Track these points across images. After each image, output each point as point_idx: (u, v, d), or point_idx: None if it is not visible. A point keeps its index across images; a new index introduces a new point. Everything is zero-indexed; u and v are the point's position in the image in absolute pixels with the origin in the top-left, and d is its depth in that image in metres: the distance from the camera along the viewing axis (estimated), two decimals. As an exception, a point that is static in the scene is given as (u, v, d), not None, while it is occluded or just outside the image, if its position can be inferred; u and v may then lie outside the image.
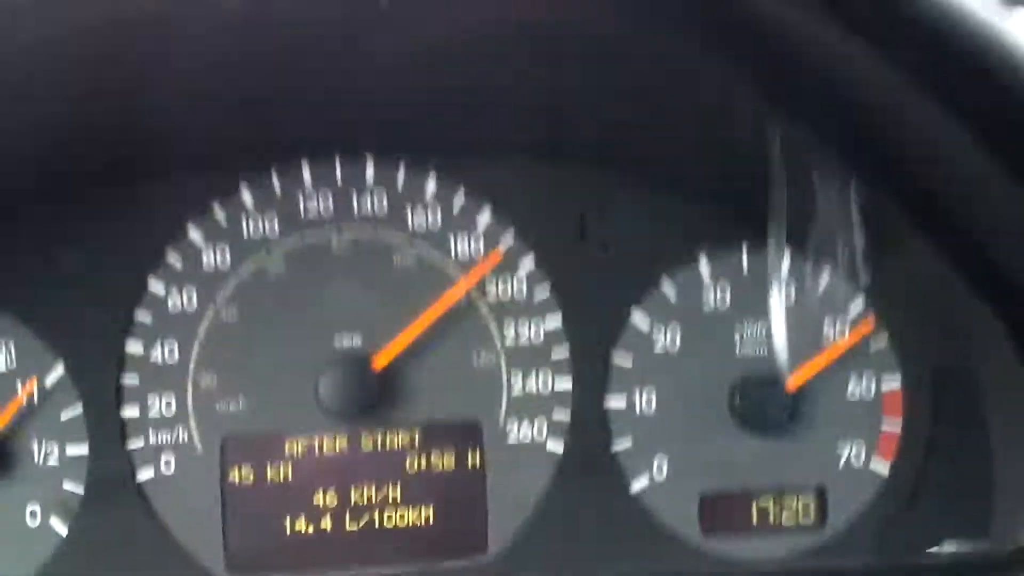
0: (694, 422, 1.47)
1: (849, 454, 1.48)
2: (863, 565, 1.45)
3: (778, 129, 1.30)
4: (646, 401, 1.47)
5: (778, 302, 1.48)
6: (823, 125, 1.19)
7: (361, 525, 1.44)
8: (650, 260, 1.48)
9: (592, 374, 1.47)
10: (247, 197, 1.44)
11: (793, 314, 1.48)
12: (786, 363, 1.45)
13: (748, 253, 1.49)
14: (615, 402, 1.47)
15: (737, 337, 1.48)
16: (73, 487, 1.41)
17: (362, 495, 1.44)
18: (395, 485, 1.45)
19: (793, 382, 1.46)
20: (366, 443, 1.45)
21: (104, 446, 1.41)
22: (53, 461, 1.40)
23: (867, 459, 1.48)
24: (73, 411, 1.41)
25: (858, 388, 1.49)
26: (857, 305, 1.50)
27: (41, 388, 1.41)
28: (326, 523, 1.43)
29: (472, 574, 1.44)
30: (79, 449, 1.41)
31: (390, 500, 1.44)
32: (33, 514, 1.40)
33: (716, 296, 1.49)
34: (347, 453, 1.44)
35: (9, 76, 1.12)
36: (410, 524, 1.44)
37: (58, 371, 1.41)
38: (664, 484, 1.47)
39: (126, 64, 1.23)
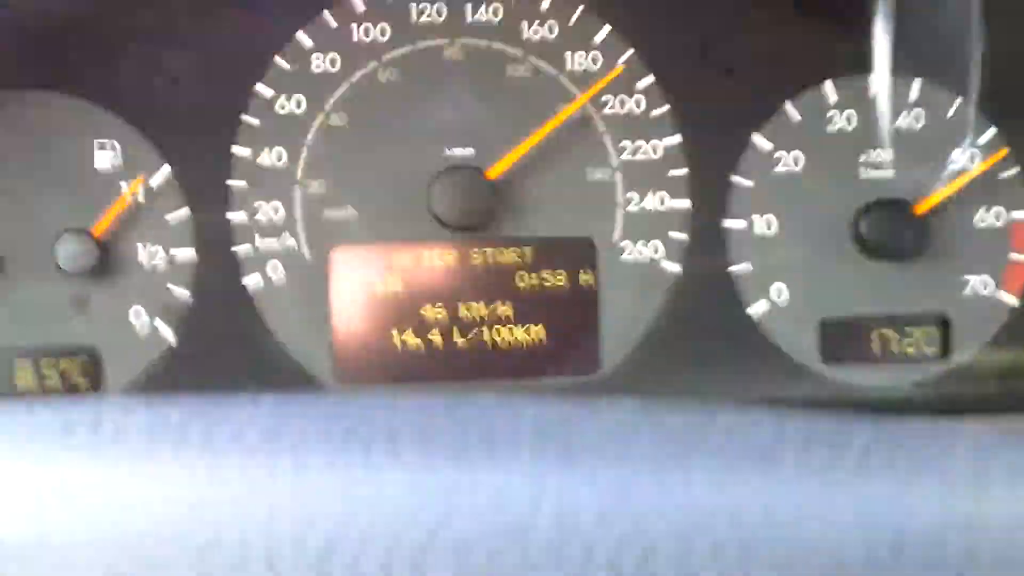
0: (815, 247, 1.42)
1: (975, 284, 1.43)
2: (987, 396, 1.41)
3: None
4: (766, 224, 1.42)
5: (903, 128, 1.43)
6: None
7: (470, 341, 1.40)
8: (774, 84, 1.42)
9: (711, 194, 1.41)
10: (359, 2, 1.39)
11: (920, 141, 1.43)
12: (913, 190, 1.40)
13: (876, 78, 1.42)
14: (734, 224, 1.42)
15: (862, 162, 1.42)
16: (179, 290, 1.38)
17: (471, 311, 1.40)
18: (506, 302, 1.40)
19: (920, 209, 1.40)
20: (476, 258, 1.40)
21: (211, 251, 1.38)
22: (160, 264, 1.38)
23: (994, 290, 1.43)
24: (179, 214, 1.38)
25: (987, 217, 1.43)
26: (989, 133, 1.43)
27: (147, 189, 1.37)
28: (434, 337, 1.39)
29: (584, 392, 1.39)
30: (185, 253, 1.38)
31: (501, 317, 1.40)
32: (138, 315, 1.37)
33: (842, 120, 1.43)
34: (457, 267, 1.40)
35: None
36: (521, 342, 1.40)
37: (164, 173, 1.37)
38: (783, 308, 1.42)
39: None
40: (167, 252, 1.38)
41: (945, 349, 1.43)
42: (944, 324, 1.43)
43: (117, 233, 1.37)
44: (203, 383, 1.37)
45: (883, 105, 1.42)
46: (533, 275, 1.41)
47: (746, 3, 1.42)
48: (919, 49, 1.40)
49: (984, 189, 1.43)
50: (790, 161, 1.42)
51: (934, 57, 1.41)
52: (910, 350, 1.42)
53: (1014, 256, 1.43)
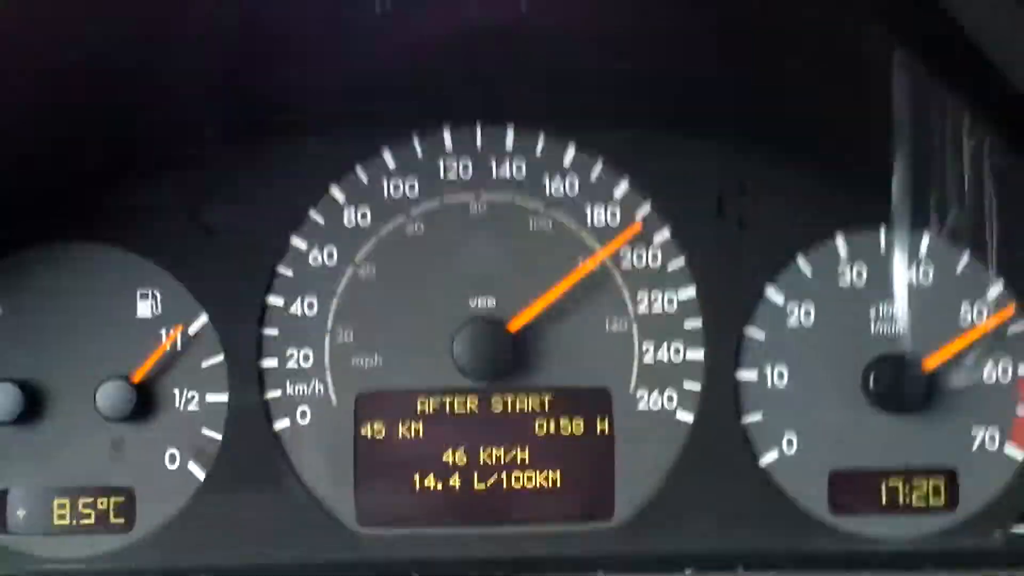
0: (826, 399, 1.46)
1: (983, 438, 1.46)
2: (994, 549, 1.43)
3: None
4: (778, 375, 1.47)
5: (914, 282, 1.47)
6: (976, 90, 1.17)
7: (489, 485, 1.45)
8: (786, 237, 1.47)
9: (725, 347, 1.46)
10: (389, 159, 1.46)
11: (930, 295, 1.47)
12: (922, 344, 1.44)
13: (886, 233, 1.47)
14: (747, 375, 1.46)
15: (872, 315, 1.47)
16: (212, 433, 1.44)
17: (491, 456, 1.46)
18: (524, 448, 1.46)
19: (930, 363, 1.44)
20: (496, 405, 1.46)
21: (243, 395, 1.44)
22: (193, 407, 1.44)
23: (1000, 444, 1.46)
24: (214, 360, 1.44)
25: (995, 372, 1.47)
26: (997, 289, 1.47)
27: (184, 336, 1.44)
28: (454, 481, 1.45)
29: (597, 540, 1.44)
30: (219, 397, 1.44)
31: (518, 462, 1.45)
32: (173, 458, 1.44)
33: (852, 274, 1.47)
34: (477, 414, 1.45)
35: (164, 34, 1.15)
36: (537, 487, 1.45)
37: (201, 321, 1.44)
38: (794, 459, 1.46)
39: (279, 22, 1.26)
40: (201, 396, 1.44)
41: (952, 501, 1.46)
42: (952, 476, 1.46)
43: (156, 376, 1.44)
44: (231, 523, 1.42)
45: (895, 259, 1.46)
46: (551, 421, 1.46)
47: (760, 156, 1.47)
48: (929, 204, 1.44)
49: (992, 344, 1.46)
50: (802, 314, 1.47)
51: (944, 212, 1.45)
52: (918, 502, 1.46)
53: (1022, 411, 1.46)
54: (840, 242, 1.48)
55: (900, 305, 1.47)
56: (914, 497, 1.46)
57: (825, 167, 1.46)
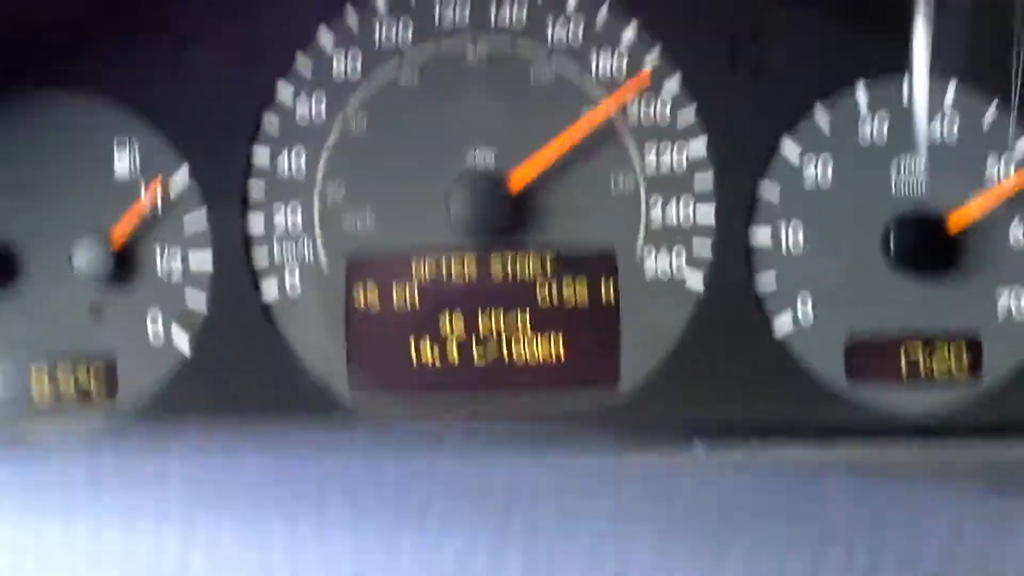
0: (844, 261, 1.38)
1: (1009, 304, 1.38)
2: (1019, 422, 1.36)
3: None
4: (793, 237, 1.38)
5: (937, 136, 1.38)
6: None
7: (488, 354, 1.38)
8: (803, 87, 1.38)
9: (737, 205, 1.38)
10: (381, 2, 1.37)
11: (954, 149, 1.38)
12: (945, 201, 1.36)
13: (909, 82, 1.38)
14: (760, 237, 1.38)
15: (894, 172, 1.38)
16: (196, 296, 1.37)
17: (490, 323, 1.38)
18: (525, 314, 1.38)
19: (954, 222, 1.36)
20: (496, 267, 1.38)
21: (228, 257, 1.36)
22: (176, 272, 1.37)
23: (1028, 309, 1.39)
24: (197, 218, 1.37)
25: (1022, 234, 1.39)
26: (1024, 142, 1.39)
27: (165, 192, 1.36)
28: (452, 351, 1.38)
29: (602, 410, 1.37)
30: (203, 260, 1.36)
31: (519, 328, 1.38)
32: (155, 322, 1.36)
33: (873, 128, 1.39)
34: (476, 278, 1.38)
35: None
36: (539, 356, 1.38)
37: (183, 174, 1.36)
38: (809, 327, 1.38)
39: None
40: (184, 258, 1.37)
41: (976, 370, 1.39)
42: (976, 344, 1.39)
43: (134, 238, 1.36)
44: (217, 394, 1.36)
45: (918, 109, 1.38)
46: (553, 286, 1.38)
47: (778, 2, 1.38)
48: (955, 50, 1.35)
49: (1020, 203, 1.38)
50: (819, 170, 1.39)
51: (971, 59, 1.36)
52: (940, 370, 1.39)
53: (1051, 273, 1.38)
54: (860, 92, 1.38)
55: (923, 160, 1.38)
56: (936, 365, 1.38)
57: (845, 11, 1.37)
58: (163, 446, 1.29)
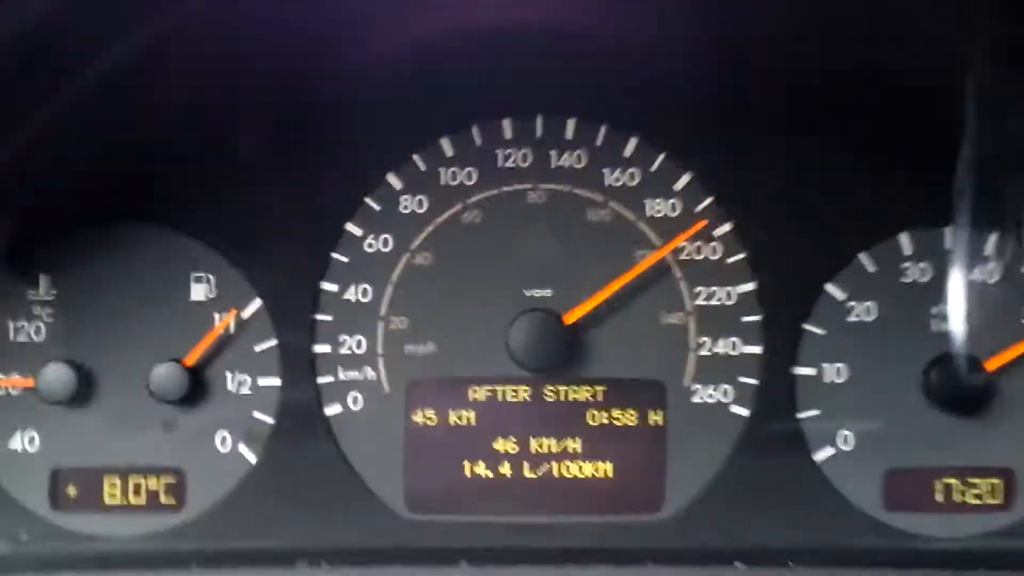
0: (883, 396, 1.44)
1: (1043, 440, 1.44)
2: None
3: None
4: (836, 372, 1.44)
5: (978, 283, 1.44)
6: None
7: (539, 474, 1.44)
8: (849, 233, 1.44)
9: (783, 341, 1.44)
10: (447, 148, 1.44)
11: (994, 296, 1.44)
12: (984, 345, 1.41)
13: (952, 232, 1.44)
14: (804, 371, 1.44)
15: (934, 314, 1.44)
16: (263, 417, 1.44)
17: (542, 445, 1.45)
18: (576, 438, 1.44)
19: (992, 364, 1.41)
20: (549, 395, 1.45)
21: (295, 380, 1.44)
22: (245, 391, 1.44)
23: (1059, 447, 1.44)
24: (267, 344, 1.44)
25: (1055, 375, 1.44)
26: (1064, 291, 1.44)
27: (238, 321, 1.43)
28: (505, 469, 1.44)
29: (646, 531, 1.43)
30: (270, 381, 1.44)
31: (570, 452, 1.44)
32: (224, 440, 1.44)
33: (916, 272, 1.44)
34: (530, 403, 1.44)
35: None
36: (588, 477, 1.44)
37: (255, 306, 1.44)
38: (849, 456, 1.44)
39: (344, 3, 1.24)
40: (253, 380, 1.44)
41: (1009, 501, 1.44)
42: (1009, 476, 1.44)
43: (209, 359, 1.43)
44: (281, 506, 1.43)
45: (959, 258, 1.43)
46: (603, 412, 1.45)
47: (827, 155, 1.44)
48: (996, 204, 1.41)
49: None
50: (863, 311, 1.45)
51: (1012, 212, 1.42)
52: (974, 501, 1.44)
53: (1081, 415, 1.43)
54: (904, 239, 1.44)
55: (963, 305, 1.44)
56: (970, 496, 1.44)
57: (893, 161, 1.43)
58: (225, 555, 1.37)
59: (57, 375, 1.39)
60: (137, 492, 1.43)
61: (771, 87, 1.37)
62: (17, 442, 1.44)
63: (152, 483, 1.43)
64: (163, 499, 1.43)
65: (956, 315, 1.43)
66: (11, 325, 1.44)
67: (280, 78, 1.35)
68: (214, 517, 1.44)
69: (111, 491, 1.43)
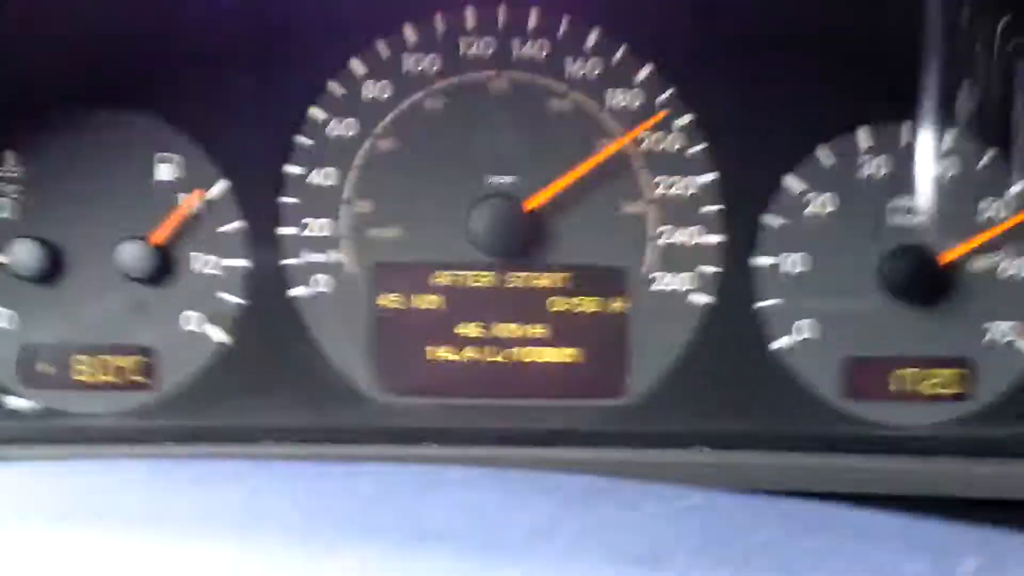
0: (841, 287, 1.46)
1: (996, 332, 1.46)
2: (1007, 439, 1.42)
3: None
4: (794, 263, 1.47)
5: (935, 177, 1.46)
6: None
7: (503, 359, 1.46)
8: (808, 127, 1.47)
9: (742, 232, 1.46)
10: (411, 35, 1.47)
11: (950, 191, 1.46)
12: (940, 238, 1.43)
13: (910, 127, 1.46)
14: (763, 261, 1.46)
15: (891, 208, 1.46)
16: (230, 297, 1.46)
17: (506, 331, 1.47)
18: (538, 324, 1.46)
19: (947, 256, 1.44)
20: (512, 282, 1.47)
21: (261, 260, 1.46)
22: (211, 270, 1.46)
23: (1014, 339, 1.45)
24: (233, 227, 1.46)
25: (1011, 268, 1.46)
26: (1018, 187, 1.46)
27: (205, 202, 1.46)
28: (469, 353, 1.46)
29: (610, 416, 1.45)
30: (237, 262, 1.46)
31: (533, 337, 1.46)
32: (191, 320, 1.46)
33: (873, 166, 1.47)
34: (493, 289, 1.47)
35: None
36: (551, 362, 1.46)
37: (221, 186, 1.46)
38: (806, 345, 1.46)
39: None
40: (219, 261, 1.46)
41: (965, 391, 1.46)
42: (967, 367, 1.46)
43: (174, 242, 1.45)
44: (248, 387, 1.44)
45: (916, 153, 1.46)
46: (566, 299, 1.47)
47: (788, 48, 1.46)
48: (955, 99, 1.43)
49: (1011, 241, 1.46)
50: (820, 203, 1.47)
51: (970, 108, 1.44)
52: (932, 390, 1.46)
53: (1036, 307, 1.45)
54: (863, 134, 1.47)
55: (920, 198, 1.46)
56: (928, 385, 1.46)
57: (851, 57, 1.45)
58: (197, 432, 1.38)
59: (26, 248, 1.41)
60: (106, 370, 1.45)
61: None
62: None
63: (121, 361, 1.45)
64: (133, 377, 1.45)
65: (912, 208, 1.46)
66: None
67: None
68: (185, 395, 1.46)
69: (79, 367, 1.45)
